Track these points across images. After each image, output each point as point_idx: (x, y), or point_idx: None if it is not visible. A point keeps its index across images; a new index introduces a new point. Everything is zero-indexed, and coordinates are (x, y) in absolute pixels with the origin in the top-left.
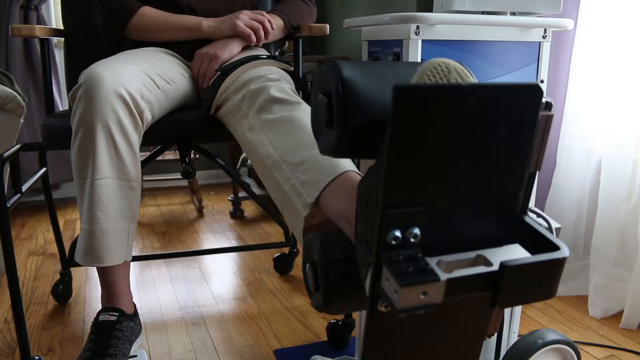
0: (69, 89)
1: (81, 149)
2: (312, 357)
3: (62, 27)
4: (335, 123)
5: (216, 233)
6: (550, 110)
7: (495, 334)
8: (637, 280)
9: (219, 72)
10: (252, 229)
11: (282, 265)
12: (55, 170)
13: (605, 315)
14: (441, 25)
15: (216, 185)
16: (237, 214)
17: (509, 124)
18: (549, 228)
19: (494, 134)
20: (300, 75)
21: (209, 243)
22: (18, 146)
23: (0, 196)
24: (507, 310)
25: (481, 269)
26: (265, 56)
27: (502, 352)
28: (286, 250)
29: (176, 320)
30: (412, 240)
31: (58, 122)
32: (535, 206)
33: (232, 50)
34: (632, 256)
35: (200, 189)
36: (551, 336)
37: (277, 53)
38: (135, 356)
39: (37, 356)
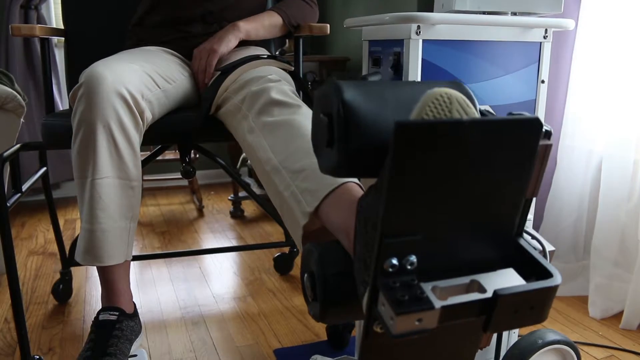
0: (69, 88)
1: (82, 148)
2: (312, 357)
3: (62, 27)
4: (335, 145)
5: (216, 233)
6: (549, 138)
7: (494, 336)
8: (637, 281)
9: (219, 72)
10: (252, 229)
11: (282, 265)
12: (56, 169)
13: (605, 316)
14: (442, 25)
15: (216, 184)
16: (237, 214)
17: (509, 156)
18: (543, 251)
19: (493, 165)
20: (301, 75)
21: (209, 243)
22: (18, 146)
23: (0, 196)
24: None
25: (475, 296)
26: (265, 56)
27: (502, 352)
28: (286, 250)
29: (176, 319)
30: (409, 267)
31: (58, 122)
32: (535, 207)
33: (229, 44)
34: (632, 257)
35: (200, 188)
36: (551, 336)
37: (277, 52)
38: (135, 355)
39: (37, 355)
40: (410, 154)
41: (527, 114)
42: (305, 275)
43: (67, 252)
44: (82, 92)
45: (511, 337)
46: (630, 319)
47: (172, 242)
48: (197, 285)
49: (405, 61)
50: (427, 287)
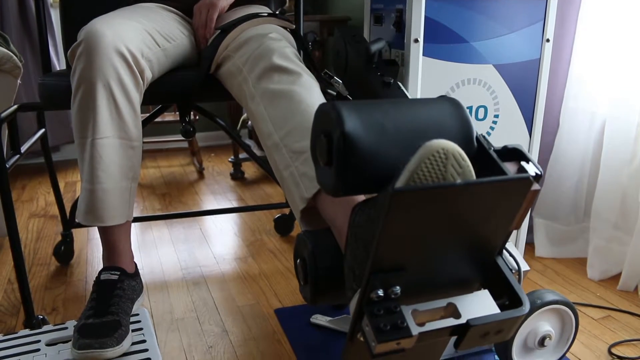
0: (65, 48)
1: (82, 107)
2: (313, 317)
3: None
4: (334, 172)
5: (217, 194)
6: (539, 181)
7: None
8: (637, 243)
9: (219, 30)
10: (252, 190)
11: (283, 226)
12: (55, 132)
13: (604, 278)
14: None
15: (216, 147)
16: (237, 176)
17: (497, 207)
18: (518, 270)
19: (481, 215)
20: (302, 34)
21: (210, 204)
22: (16, 106)
23: None
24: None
25: (449, 322)
26: (266, 14)
27: None
28: (287, 211)
29: (177, 280)
30: (393, 296)
31: (55, 82)
32: (536, 169)
33: None
34: (632, 219)
35: (200, 150)
36: (550, 297)
37: (277, 12)
38: (137, 314)
39: (41, 315)
40: (402, 216)
41: (517, 175)
42: (298, 260)
43: (67, 214)
44: (81, 49)
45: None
46: (628, 281)
47: (172, 203)
48: (197, 246)
49: (407, 18)
50: (407, 311)
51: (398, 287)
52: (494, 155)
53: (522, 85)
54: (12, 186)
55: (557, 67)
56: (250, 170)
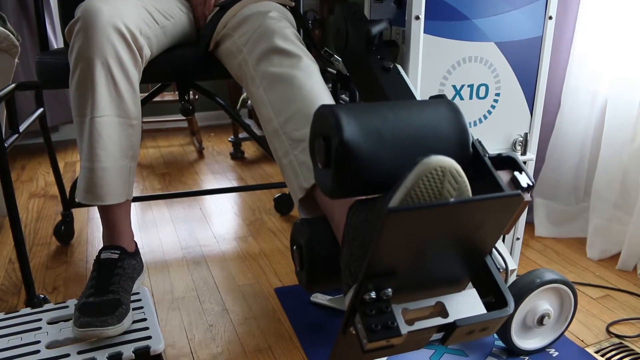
0: (63, 26)
1: (80, 85)
2: (313, 295)
3: None
4: (332, 177)
5: (217, 174)
6: (529, 192)
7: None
8: (637, 223)
9: (218, 7)
10: (252, 170)
11: (283, 206)
12: (54, 112)
13: (603, 257)
14: None
15: (216, 126)
16: (237, 155)
17: (488, 220)
18: (506, 269)
19: (473, 227)
20: (301, 12)
21: (210, 184)
22: (13, 85)
23: None
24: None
25: (437, 321)
26: None
27: None
28: (286, 190)
29: (178, 259)
30: (384, 297)
31: (53, 60)
32: (537, 148)
33: None
34: (632, 199)
35: (200, 130)
36: (549, 276)
37: None
38: (138, 293)
39: (42, 294)
40: (396, 231)
41: (509, 192)
42: (295, 247)
43: (67, 194)
44: (78, 27)
45: (509, 276)
46: (627, 260)
47: (172, 183)
48: (198, 226)
49: None
50: (397, 310)
51: (390, 290)
52: (488, 162)
53: (524, 63)
54: (12, 166)
55: (559, 46)
56: (250, 149)
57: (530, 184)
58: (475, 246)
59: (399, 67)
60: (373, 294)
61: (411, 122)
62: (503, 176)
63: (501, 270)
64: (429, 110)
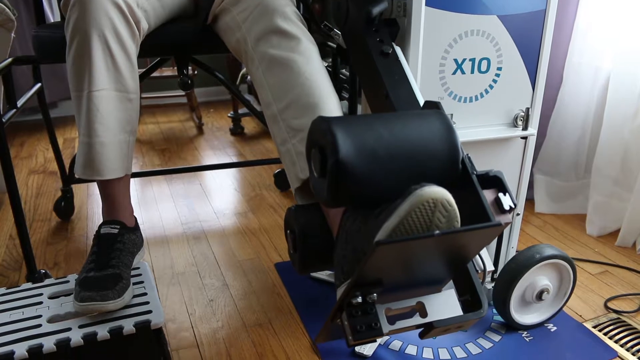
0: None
1: (76, 59)
2: None
3: None
4: (327, 188)
5: (216, 150)
6: (511, 213)
7: (492, 250)
8: (636, 200)
9: None
10: (252, 146)
11: (283, 181)
12: (52, 88)
13: (602, 234)
14: None
15: (215, 102)
16: (237, 131)
17: (471, 243)
18: (483, 271)
19: (457, 249)
20: None
21: (209, 160)
22: (10, 59)
23: None
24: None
25: (417, 321)
26: None
27: (500, 267)
28: None
29: (178, 235)
30: (370, 301)
31: (50, 33)
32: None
33: None
34: (633, 176)
35: (199, 106)
36: (548, 251)
37: None
38: (138, 268)
39: (43, 270)
40: (385, 257)
41: (490, 223)
42: (288, 231)
43: (67, 170)
44: None
45: (509, 251)
46: (626, 237)
47: (172, 159)
48: (198, 202)
49: None
50: (381, 310)
51: (375, 294)
52: (476, 181)
53: (527, 37)
54: (11, 143)
55: (563, 20)
56: (249, 125)
57: (512, 206)
58: (457, 259)
59: (398, 50)
60: (359, 299)
61: (405, 140)
62: (488, 195)
63: (479, 271)
64: (423, 127)
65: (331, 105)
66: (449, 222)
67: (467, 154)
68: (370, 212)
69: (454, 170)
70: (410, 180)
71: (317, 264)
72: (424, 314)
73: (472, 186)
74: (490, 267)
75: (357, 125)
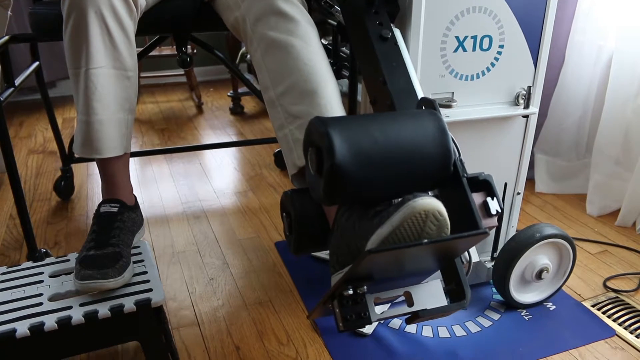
0: None
1: (73, 36)
2: None
3: None
4: (322, 188)
5: (216, 129)
6: (497, 216)
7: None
8: (637, 179)
9: None
10: (252, 125)
11: (283, 160)
12: (50, 67)
13: (602, 213)
14: None
15: (215, 81)
16: (237, 110)
17: (458, 246)
18: (469, 262)
19: (445, 250)
20: None
21: (209, 139)
22: (7, 37)
23: None
24: (506, 205)
25: (403, 310)
26: None
27: (500, 245)
28: None
29: (178, 214)
30: (359, 292)
31: (47, 10)
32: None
33: None
34: (634, 155)
35: (199, 85)
36: (549, 230)
37: None
38: (138, 247)
39: (43, 249)
40: (375, 261)
41: (476, 231)
42: (284, 214)
43: (66, 150)
44: None
45: (509, 231)
46: (626, 217)
47: (171, 139)
48: (197, 181)
49: None
50: (370, 299)
51: (365, 287)
52: (466, 184)
53: (529, 14)
54: (9, 123)
55: None
56: (249, 104)
57: (499, 210)
58: (445, 258)
59: (398, 34)
60: (350, 291)
61: (399, 144)
62: (477, 198)
63: (464, 262)
64: (417, 131)
65: (329, 92)
66: (440, 230)
67: (460, 157)
68: (365, 212)
69: (446, 172)
70: (403, 182)
71: (312, 246)
72: (410, 303)
73: (462, 188)
74: (475, 258)
75: (353, 130)
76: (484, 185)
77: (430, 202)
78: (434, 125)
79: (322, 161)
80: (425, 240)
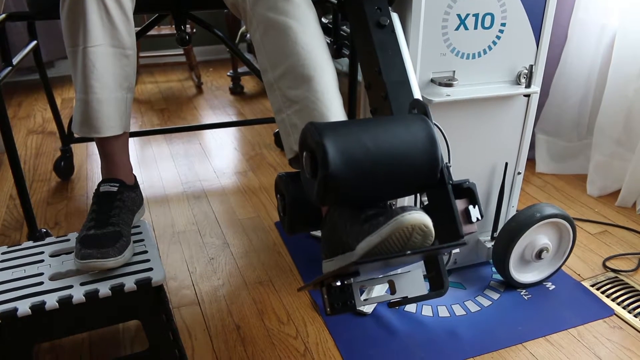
0: None
1: (70, 14)
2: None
3: None
4: (316, 191)
5: (216, 109)
6: (476, 223)
7: (492, 209)
8: (638, 160)
9: None
10: (252, 105)
11: None
12: (49, 47)
13: (603, 194)
14: None
15: (214, 61)
16: (236, 90)
17: (440, 252)
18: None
19: (427, 256)
20: None
21: (209, 119)
22: (4, 15)
23: None
24: (506, 185)
25: (387, 297)
26: None
27: (500, 225)
28: None
29: (178, 194)
30: (346, 282)
31: None
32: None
33: None
34: (635, 135)
35: (198, 65)
36: (549, 210)
37: None
38: (139, 226)
39: (44, 229)
40: (360, 269)
41: (454, 242)
42: (278, 196)
43: (66, 130)
44: None
45: (510, 210)
46: (627, 197)
47: (171, 119)
48: (197, 161)
49: None
50: (356, 287)
51: (352, 279)
52: (450, 191)
53: None
54: (8, 103)
55: None
56: (249, 84)
57: (479, 218)
58: (428, 258)
59: (396, 19)
60: (338, 282)
61: (389, 153)
62: (459, 204)
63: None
64: (407, 139)
65: (326, 79)
66: (424, 239)
67: (447, 164)
68: (356, 214)
69: (433, 179)
70: (392, 188)
71: (305, 227)
72: (393, 291)
73: (447, 195)
74: (455, 250)
75: (346, 139)
76: (468, 193)
77: (417, 218)
78: (423, 135)
79: (317, 167)
80: (409, 252)
